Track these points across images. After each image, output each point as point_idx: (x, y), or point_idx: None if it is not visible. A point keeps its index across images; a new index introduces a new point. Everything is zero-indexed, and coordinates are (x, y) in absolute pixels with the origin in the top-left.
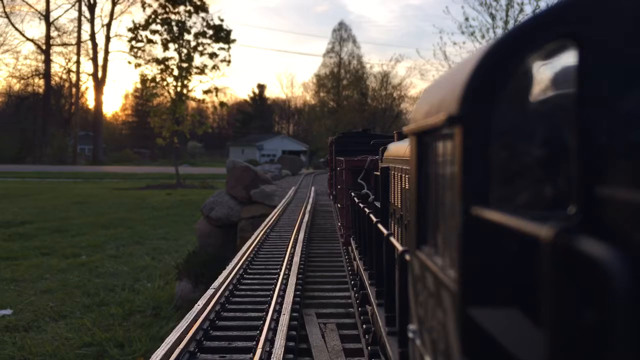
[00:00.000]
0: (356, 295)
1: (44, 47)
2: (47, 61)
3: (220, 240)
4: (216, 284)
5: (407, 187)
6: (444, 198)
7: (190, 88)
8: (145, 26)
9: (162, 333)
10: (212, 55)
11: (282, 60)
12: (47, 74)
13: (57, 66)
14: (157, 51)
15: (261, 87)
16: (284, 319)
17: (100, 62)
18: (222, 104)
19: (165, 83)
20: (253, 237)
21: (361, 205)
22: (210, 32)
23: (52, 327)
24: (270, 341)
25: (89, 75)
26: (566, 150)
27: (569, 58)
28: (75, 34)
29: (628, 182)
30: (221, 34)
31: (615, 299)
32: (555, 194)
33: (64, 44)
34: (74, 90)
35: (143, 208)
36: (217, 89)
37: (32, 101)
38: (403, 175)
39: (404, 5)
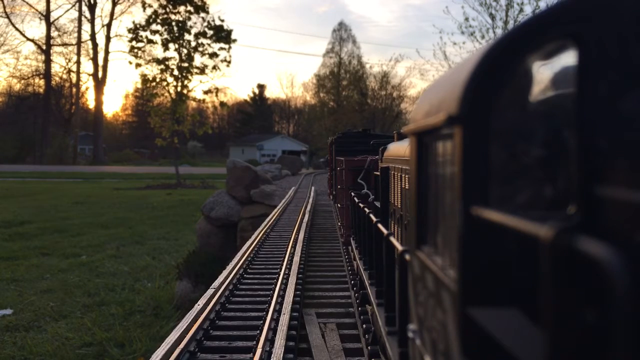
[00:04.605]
0: (356, 295)
1: (44, 47)
2: (48, 61)
3: (221, 240)
4: (216, 283)
5: (407, 187)
6: (444, 198)
7: (190, 88)
8: (146, 26)
9: (162, 333)
10: (213, 56)
11: (282, 60)
12: (47, 74)
13: (58, 66)
14: (158, 51)
15: (261, 87)
16: (284, 319)
17: (100, 62)
18: (222, 104)
19: (165, 83)
20: (253, 237)
21: (361, 205)
22: (211, 32)
23: (53, 326)
24: (271, 341)
25: (89, 75)
26: (566, 150)
27: (568, 58)
28: (76, 34)
29: (628, 182)
30: (221, 34)
31: (615, 298)
32: (555, 194)
33: (65, 44)
34: (74, 90)
35: (143, 208)
36: (217, 89)
37: (33, 101)
38: (403, 175)
39: (405, 6)
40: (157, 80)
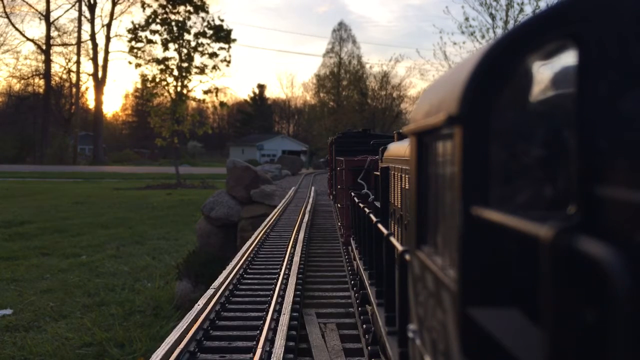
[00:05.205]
0: (356, 295)
1: (44, 47)
2: (48, 61)
3: (221, 240)
4: (216, 283)
5: (407, 187)
6: (444, 198)
7: (190, 88)
8: (145, 26)
9: (162, 333)
10: (212, 55)
11: (282, 60)
12: (47, 74)
13: (57, 66)
14: (157, 51)
15: (261, 87)
16: (284, 319)
17: (100, 62)
18: (222, 104)
19: (165, 83)
20: (253, 237)
21: (361, 205)
22: (210, 32)
23: (53, 327)
24: (271, 341)
25: (89, 75)
26: (566, 150)
27: (569, 58)
28: (76, 34)
29: (628, 182)
30: (221, 34)
31: (614, 298)
32: (555, 194)
33: (64, 44)
34: (74, 90)
35: (143, 208)
36: (217, 89)
37: (33, 101)
38: (403, 175)
39: (405, 5)
40: (157, 80)
